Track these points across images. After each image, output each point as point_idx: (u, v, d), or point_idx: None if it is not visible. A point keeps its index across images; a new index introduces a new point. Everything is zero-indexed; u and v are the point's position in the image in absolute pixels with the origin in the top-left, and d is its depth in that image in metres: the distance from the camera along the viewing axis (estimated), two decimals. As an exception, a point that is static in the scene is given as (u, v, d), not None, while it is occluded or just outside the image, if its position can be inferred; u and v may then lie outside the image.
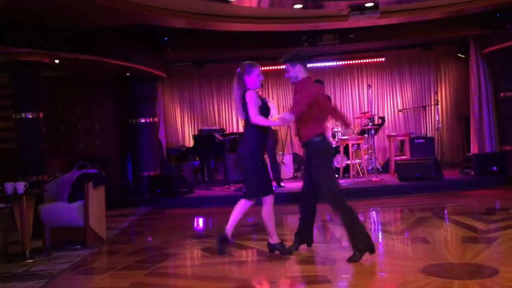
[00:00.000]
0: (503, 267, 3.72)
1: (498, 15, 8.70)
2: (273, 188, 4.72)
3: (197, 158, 10.40)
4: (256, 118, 4.34)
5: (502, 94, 9.58)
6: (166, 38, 8.85)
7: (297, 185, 9.01)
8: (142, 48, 8.77)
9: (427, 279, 3.58)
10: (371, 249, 4.15)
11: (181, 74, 11.42)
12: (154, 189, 8.64)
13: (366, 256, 4.17)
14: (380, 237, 5.39)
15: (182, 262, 4.86)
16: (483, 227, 5.22)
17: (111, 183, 8.25)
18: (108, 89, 9.84)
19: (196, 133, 10.93)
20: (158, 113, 10.11)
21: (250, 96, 4.37)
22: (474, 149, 10.01)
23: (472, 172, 8.49)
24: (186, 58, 10.67)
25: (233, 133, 10.57)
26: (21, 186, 5.02)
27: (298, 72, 4.50)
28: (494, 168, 8.36)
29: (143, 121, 9.46)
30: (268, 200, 4.54)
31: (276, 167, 8.78)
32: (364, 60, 11.25)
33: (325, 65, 11.18)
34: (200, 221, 7.43)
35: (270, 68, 11.27)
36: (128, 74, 8.99)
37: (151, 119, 9.59)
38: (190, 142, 11.12)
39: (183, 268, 4.64)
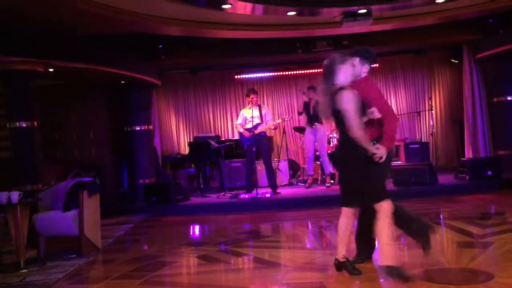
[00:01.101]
0: (499, 272, 3.73)
1: (491, 20, 8.77)
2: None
3: (192, 165, 10.41)
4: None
5: (495, 99, 9.63)
6: (161, 46, 8.85)
7: (293, 191, 9.04)
8: (137, 56, 8.78)
9: (424, 285, 3.59)
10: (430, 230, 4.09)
11: (176, 82, 11.43)
12: (149, 196, 8.62)
13: (364, 263, 4.17)
14: (377, 244, 5.38)
15: (178, 270, 4.83)
16: (478, 232, 5.24)
17: (106, 191, 8.21)
18: (103, 97, 9.84)
19: (191, 140, 10.93)
20: (153, 121, 10.10)
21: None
22: (468, 153, 10.05)
23: (467, 177, 8.52)
24: (181, 66, 10.68)
25: (228, 140, 10.57)
26: (15, 195, 4.99)
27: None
28: (489, 172, 8.39)
29: (138, 128, 9.45)
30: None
31: (272, 174, 8.79)
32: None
33: (320, 72, 11.18)
34: (196, 228, 7.41)
35: (265, 74, 11.31)
36: (123, 82, 8.99)
37: (146, 126, 9.58)
38: (185, 150, 11.11)
39: (179, 277, 4.61)
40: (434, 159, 10.94)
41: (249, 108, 8.68)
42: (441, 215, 6.78)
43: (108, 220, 7.43)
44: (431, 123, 10.95)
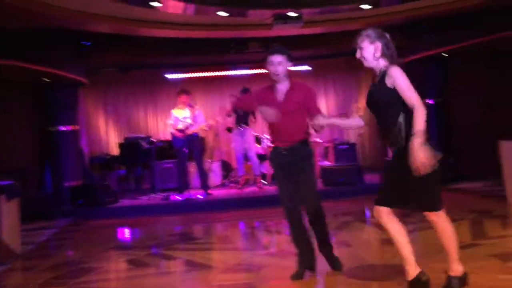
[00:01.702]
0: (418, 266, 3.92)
1: (415, 27, 9.24)
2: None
3: (122, 166, 10.11)
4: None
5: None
6: (89, 43, 8.52)
7: (225, 192, 9.03)
8: (63, 53, 8.38)
9: (348, 282, 3.71)
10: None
11: (105, 80, 11.06)
12: (76, 199, 8.27)
13: (292, 262, 4.22)
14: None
15: (105, 276, 4.66)
16: (401, 229, 5.47)
17: (29, 195, 7.77)
18: (26, 96, 9.28)
19: (121, 141, 10.62)
20: (80, 121, 9.70)
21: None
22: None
23: (392, 176, 8.91)
24: (111, 64, 10.35)
25: (160, 141, 10.37)
26: None
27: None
28: (411, 172, 8.80)
29: (64, 129, 9.02)
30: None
31: (204, 175, 8.73)
32: (290, 68, 11.47)
33: (253, 73, 11.29)
34: (125, 232, 7.20)
35: (198, 75, 11.22)
36: (47, 80, 8.55)
37: (72, 126, 9.17)
38: (115, 150, 10.78)
39: (106, 283, 4.44)
40: (362, 159, 11.35)
41: (181, 109, 8.58)
42: (367, 214, 7.04)
43: (29, 225, 7.04)
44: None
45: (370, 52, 3.17)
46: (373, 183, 8.97)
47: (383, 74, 3.11)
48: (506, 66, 9.90)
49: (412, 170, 2.96)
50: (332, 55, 11.24)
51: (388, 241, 4.98)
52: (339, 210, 7.14)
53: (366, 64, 3.21)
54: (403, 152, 3.01)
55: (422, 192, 3.11)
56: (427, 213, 3.20)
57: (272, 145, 4.12)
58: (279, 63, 3.84)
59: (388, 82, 3.07)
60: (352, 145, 10.53)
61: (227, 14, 6.96)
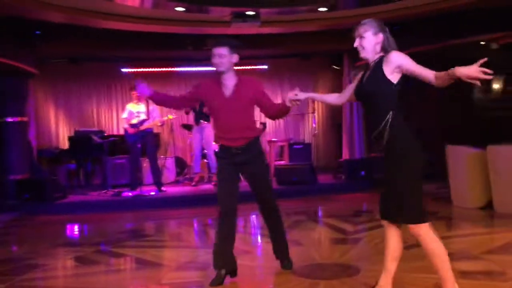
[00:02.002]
0: (365, 266, 4.04)
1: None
2: None
3: (72, 161, 9.82)
4: None
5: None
6: (38, 32, 8.21)
7: (179, 189, 8.95)
8: (10, 41, 8.04)
9: (297, 280, 3.77)
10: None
11: (57, 72, 10.69)
12: (21, 194, 7.96)
13: (243, 261, 4.24)
14: (259, 240, 5.55)
15: (51, 273, 4.52)
16: (350, 229, 5.63)
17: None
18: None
19: (72, 134, 10.32)
20: (28, 112, 9.34)
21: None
22: (345, 155, 10.75)
23: (343, 177, 9.11)
24: (62, 55, 10.02)
25: (112, 135, 10.14)
26: None
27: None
28: (362, 173, 9.05)
29: (11, 120, 8.68)
30: None
31: (157, 171, 8.61)
32: (248, 67, 11.51)
33: (210, 70, 11.22)
34: (74, 228, 7.00)
35: (154, 70, 11.05)
36: (-7, 68, 8.19)
37: (20, 118, 8.83)
38: (65, 144, 10.46)
39: (52, 280, 4.31)
40: (316, 159, 11.54)
41: (135, 103, 8.43)
42: (318, 213, 7.18)
43: (-29, 220, 6.73)
44: (314, 125, 11.53)
45: (371, 43, 2.99)
46: (326, 183, 9.15)
47: (378, 62, 2.94)
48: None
49: (391, 174, 2.86)
50: (289, 55, 11.37)
51: (336, 240, 5.12)
52: (291, 209, 7.23)
53: (363, 54, 3.02)
54: (386, 154, 2.90)
55: (399, 200, 2.86)
56: (408, 226, 2.89)
57: (218, 143, 3.95)
58: (222, 56, 3.66)
59: (387, 69, 2.88)
60: (307, 145, 10.69)
61: (185, 10, 6.89)
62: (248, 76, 4.00)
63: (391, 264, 3.09)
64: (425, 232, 2.86)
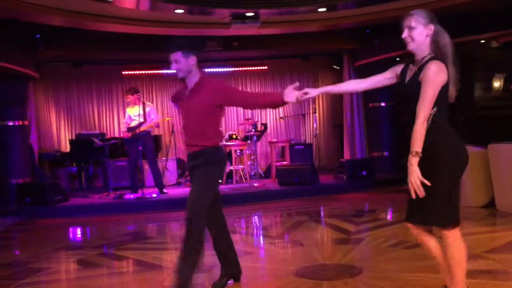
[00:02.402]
0: (367, 266, 4.04)
1: (368, 31, 9.47)
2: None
3: (74, 164, 9.83)
4: None
5: (370, 104, 10.42)
6: (39, 36, 8.22)
7: (181, 191, 8.94)
8: (10, 45, 8.05)
9: (299, 281, 3.76)
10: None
11: (57, 75, 10.70)
12: (23, 197, 7.95)
13: (246, 262, 4.24)
14: (261, 242, 5.55)
15: (54, 276, 4.51)
16: (352, 229, 5.61)
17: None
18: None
19: (73, 138, 10.33)
20: (30, 116, 9.35)
21: None
22: (346, 155, 10.74)
23: (345, 177, 9.10)
24: (63, 58, 10.02)
25: (113, 138, 10.15)
26: None
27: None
28: (364, 172, 9.04)
29: (11, 124, 8.69)
30: None
31: (157, 173, 8.61)
32: (248, 68, 11.52)
33: (210, 71, 11.25)
34: (76, 231, 7.01)
35: (152, 72, 11.05)
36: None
37: (21, 122, 8.84)
38: (66, 147, 10.46)
39: (55, 283, 4.31)
40: (317, 159, 11.54)
41: (131, 107, 8.45)
42: (320, 213, 7.17)
43: (-27, 225, 6.74)
44: (315, 126, 11.53)
45: (422, 34, 2.77)
46: (327, 183, 9.14)
47: (423, 65, 2.74)
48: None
49: (431, 175, 2.64)
50: (289, 55, 11.37)
51: (339, 241, 5.12)
52: (293, 210, 7.23)
53: (411, 46, 2.81)
54: (425, 154, 2.64)
55: (437, 202, 2.68)
56: (437, 228, 2.77)
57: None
58: (178, 61, 3.48)
59: (421, 75, 2.70)
60: (308, 146, 10.69)
61: (185, 12, 6.88)
62: (211, 78, 3.66)
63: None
64: (455, 236, 2.74)
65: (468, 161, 2.75)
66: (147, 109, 8.38)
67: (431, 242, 2.86)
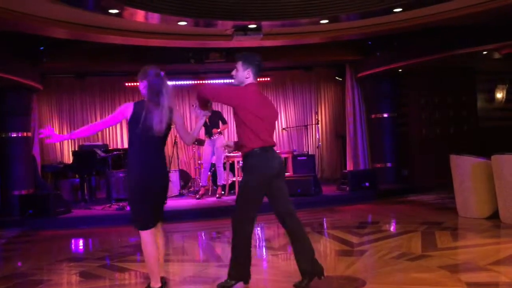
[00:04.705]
0: (370, 278, 4.00)
1: (370, 43, 9.51)
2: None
3: (77, 175, 9.83)
4: None
5: (373, 116, 10.43)
6: (42, 48, 8.28)
7: (184, 202, 8.93)
8: (15, 57, 8.11)
9: (303, 294, 3.73)
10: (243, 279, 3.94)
11: (61, 86, 10.77)
12: (25, 209, 7.94)
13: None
14: (264, 253, 5.52)
15: (55, 288, 4.50)
16: (355, 240, 5.58)
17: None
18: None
19: (76, 149, 10.35)
20: (33, 127, 9.39)
21: None
22: (349, 166, 10.73)
23: (348, 188, 9.07)
24: (66, 70, 10.10)
25: (116, 149, 10.17)
26: None
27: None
28: (367, 184, 9.01)
29: (15, 135, 8.72)
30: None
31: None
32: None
33: (213, 83, 11.29)
34: (78, 243, 6.99)
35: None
36: (-2, 84, 8.25)
37: (24, 133, 8.87)
38: (69, 159, 10.48)
39: (55, 296, 4.30)
40: (320, 170, 11.52)
41: None
42: (323, 225, 7.13)
43: (-25, 236, 6.73)
44: (317, 137, 11.53)
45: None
46: (330, 194, 9.11)
47: None
48: (456, 83, 10.34)
49: None
50: (291, 67, 11.41)
51: (342, 252, 5.08)
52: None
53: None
54: None
55: None
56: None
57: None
58: (236, 69, 3.92)
59: None
60: (311, 157, 10.67)
61: (188, 24, 6.93)
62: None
63: None
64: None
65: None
66: None
67: None
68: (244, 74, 3.89)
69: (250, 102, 3.84)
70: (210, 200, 9.02)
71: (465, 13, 6.86)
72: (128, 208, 8.25)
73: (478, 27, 7.64)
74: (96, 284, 4.46)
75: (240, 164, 9.51)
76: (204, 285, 4.23)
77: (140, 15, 6.56)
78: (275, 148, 3.97)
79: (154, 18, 6.69)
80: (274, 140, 4.01)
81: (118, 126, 11.15)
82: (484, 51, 8.27)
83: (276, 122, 4.18)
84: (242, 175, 3.88)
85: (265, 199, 3.95)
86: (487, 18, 7.16)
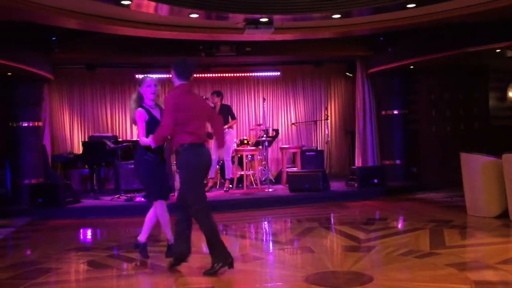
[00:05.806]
0: (378, 274, 3.99)
1: (382, 38, 9.43)
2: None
3: (86, 166, 9.90)
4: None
5: (383, 112, 10.37)
6: (54, 38, 8.31)
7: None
8: (26, 47, 8.14)
9: (310, 288, 3.74)
10: (228, 262, 4.16)
11: (72, 77, 10.82)
12: (35, 198, 8.02)
13: (255, 267, 4.23)
14: (271, 247, 5.53)
15: (63, 277, 4.54)
16: (363, 236, 5.57)
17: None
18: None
19: (86, 140, 10.40)
20: (44, 117, 9.44)
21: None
22: (358, 162, 10.67)
23: (356, 184, 9.04)
24: (77, 60, 10.13)
25: (126, 141, 10.20)
26: None
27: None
28: (375, 180, 8.98)
29: (26, 125, 8.77)
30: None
31: (171, 176, 8.62)
32: (260, 73, 11.53)
33: (223, 76, 11.29)
34: (86, 232, 7.04)
35: (166, 76, 11.10)
36: (9, 73, 8.30)
37: (35, 123, 8.92)
38: (79, 149, 10.54)
39: (64, 284, 4.33)
40: (328, 166, 11.48)
41: None
42: (331, 220, 7.12)
43: (-14, 224, 6.81)
44: (327, 132, 11.49)
45: None
46: (338, 190, 9.09)
47: None
48: (468, 80, 10.24)
49: None
50: (302, 61, 11.36)
51: (349, 248, 5.08)
52: (303, 216, 7.19)
53: None
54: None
55: None
56: None
57: None
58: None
59: None
60: (319, 152, 10.64)
61: (199, 16, 6.92)
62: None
63: None
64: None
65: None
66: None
67: None
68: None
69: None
70: (218, 193, 9.04)
71: (478, 10, 6.77)
72: (136, 199, 8.31)
73: (492, 24, 7.54)
74: (104, 273, 4.50)
75: (249, 159, 9.54)
76: (211, 277, 4.24)
77: (151, 7, 6.56)
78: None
79: (165, 9, 6.68)
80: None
81: (128, 117, 11.19)
82: (497, 49, 8.17)
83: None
84: None
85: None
86: (501, 16, 7.06)
